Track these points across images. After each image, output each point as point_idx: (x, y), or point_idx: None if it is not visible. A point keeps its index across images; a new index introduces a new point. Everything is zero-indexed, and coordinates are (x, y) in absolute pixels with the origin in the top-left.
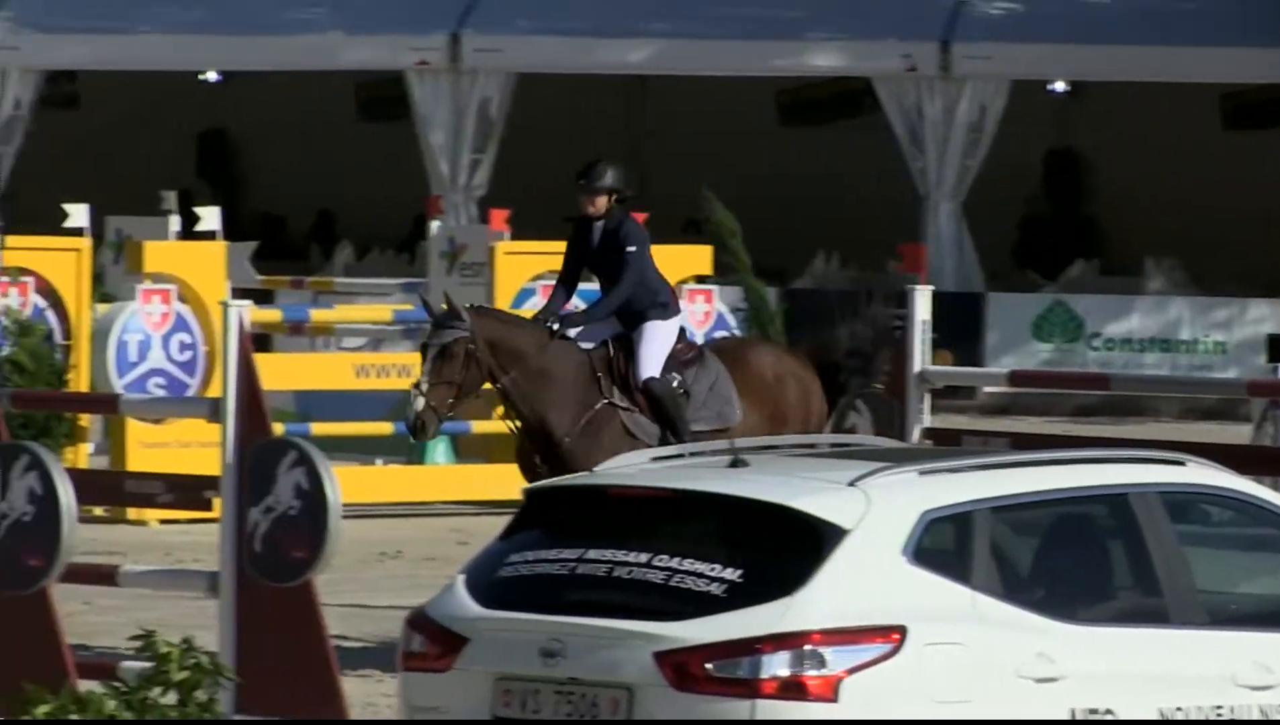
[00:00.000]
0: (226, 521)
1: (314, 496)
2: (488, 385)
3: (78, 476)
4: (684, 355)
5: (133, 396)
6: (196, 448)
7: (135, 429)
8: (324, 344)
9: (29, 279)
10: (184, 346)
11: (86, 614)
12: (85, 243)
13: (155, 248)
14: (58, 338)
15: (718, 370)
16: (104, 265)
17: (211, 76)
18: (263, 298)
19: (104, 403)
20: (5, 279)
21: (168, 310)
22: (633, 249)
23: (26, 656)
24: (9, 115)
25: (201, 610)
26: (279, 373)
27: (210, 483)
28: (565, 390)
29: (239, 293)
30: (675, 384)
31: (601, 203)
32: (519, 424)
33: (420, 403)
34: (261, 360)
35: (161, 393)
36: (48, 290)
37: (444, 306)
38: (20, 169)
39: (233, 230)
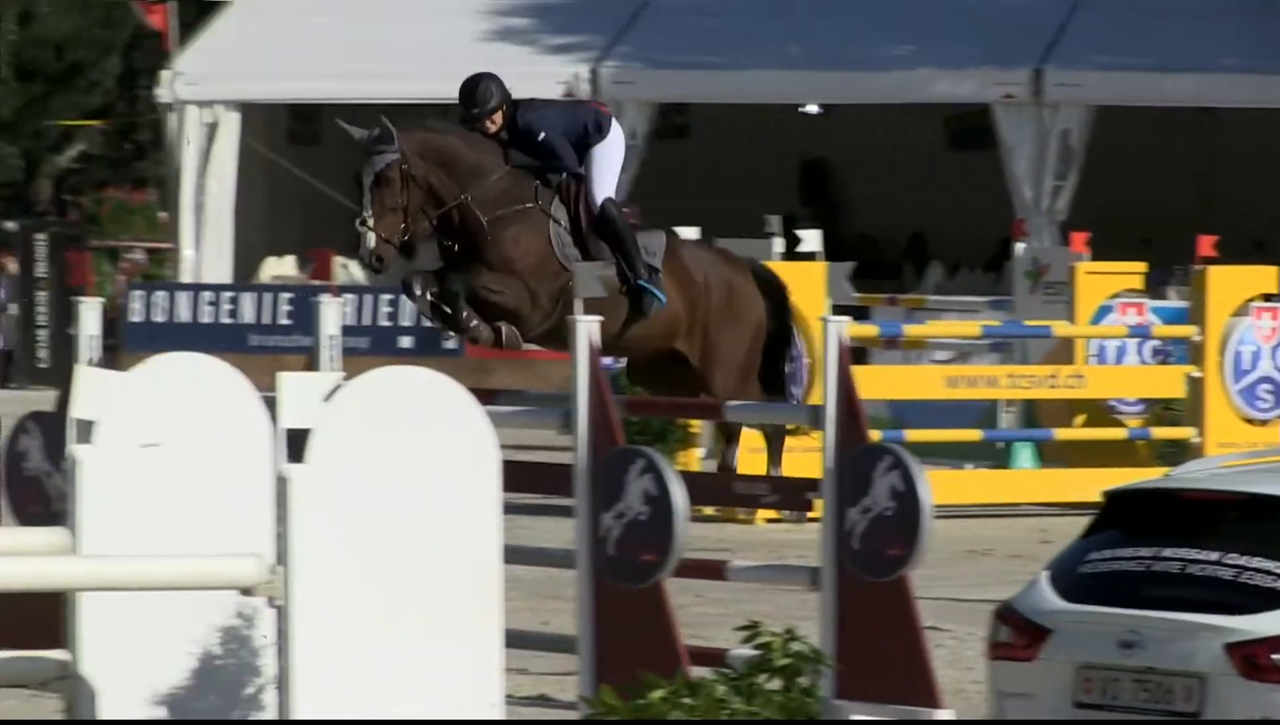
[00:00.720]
0: (827, 521)
1: (908, 498)
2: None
3: (690, 479)
4: (631, 218)
5: (736, 403)
6: (799, 453)
7: (743, 435)
8: (916, 357)
9: None
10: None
11: (697, 606)
12: None
13: None
14: None
15: (660, 245)
16: None
17: (812, 109)
18: (860, 314)
19: (709, 409)
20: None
21: None
22: (543, 135)
23: (643, 645)
24: (626, 145)
25: (803, 603)
26: (875, 383)
27: (812, 485)
28: (507, 199)
29: (838, 309)
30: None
31: (499, 118)
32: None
33: (371, 238)
34: (859, 372)
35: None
36: None
37: (376, 131)
38: (634, 194)
39: (832, 251)
